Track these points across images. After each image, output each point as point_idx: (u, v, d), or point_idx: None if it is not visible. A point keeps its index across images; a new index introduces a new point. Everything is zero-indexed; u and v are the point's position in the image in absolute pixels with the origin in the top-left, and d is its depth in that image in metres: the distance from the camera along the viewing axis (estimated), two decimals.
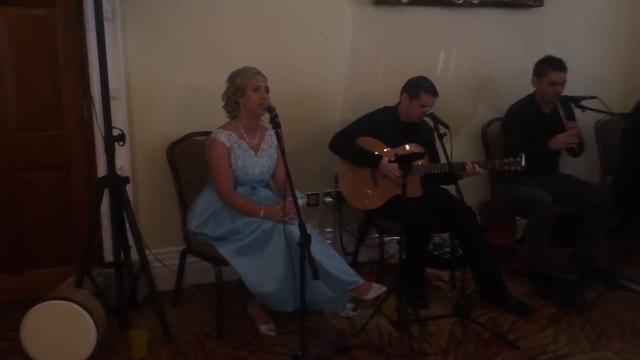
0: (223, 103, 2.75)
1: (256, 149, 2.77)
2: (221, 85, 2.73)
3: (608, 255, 3.23)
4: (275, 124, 2.38)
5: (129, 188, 2.71)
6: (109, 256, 2.99)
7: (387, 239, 3.27)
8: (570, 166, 3.56)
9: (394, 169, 2.93)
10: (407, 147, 3.09)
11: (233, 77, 2.68)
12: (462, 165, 2.91)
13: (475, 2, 3.50)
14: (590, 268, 3.22)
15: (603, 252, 3.28)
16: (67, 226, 3.02)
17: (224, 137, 2.68)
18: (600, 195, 3.25)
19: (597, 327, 2.83)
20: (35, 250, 2.98)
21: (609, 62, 4.03)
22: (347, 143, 3.07)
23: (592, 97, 3.17)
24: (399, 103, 3.14)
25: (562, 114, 3.25)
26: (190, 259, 2.94)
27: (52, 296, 2.41)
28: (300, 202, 2.52)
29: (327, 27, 3.28)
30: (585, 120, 3.51)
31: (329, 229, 3.54)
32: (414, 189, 3.01)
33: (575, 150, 3.36)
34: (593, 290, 3.09)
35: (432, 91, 3.00)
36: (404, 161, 2.70)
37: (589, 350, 2.64)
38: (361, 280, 2.63)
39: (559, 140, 3.17)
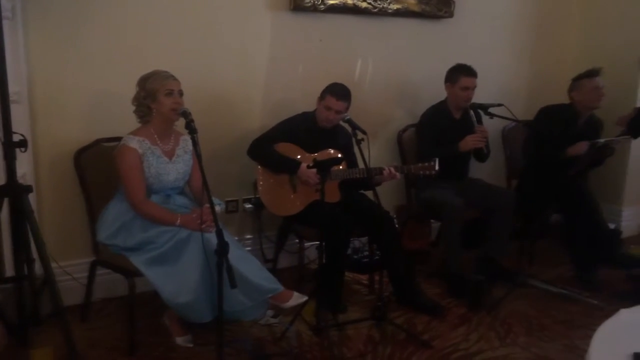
0: (134, 108, 2.65)
1: (170, 154, 2.69)
2: (133, 89, 2.62)
3: (514, 255, 3.41)
4: (191, 129, 2.31)
5: (32, 197, 2.52)
6: (10, 271, 2.78)
7: (306, 244, 3.28)
8: (479, 170, 3.74)
9: (313, 175, 2.94)
10: (332, 152, 3.12)
11: (143, 81, 2.58)
12: (380, 170, 2.98)
13: (390, 11, 3.60)
14: (497, 268, 3.37)
15: (509, 253, 3.47)
16: None
17: (135, 143, 2.57)
18: (505, 198, 3.42)
19: (505, 324, 2.97)
20: None
21: (514, 72, 4.26)
22: (265, 149, 3.04)
23: (499, 105, 3.33)
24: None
25: (473, 119, 3.40)
26: (100, 270, 2.79)
27: None
28: (218, 208, 2.48)
29: (244, 32, 3.24)
30: (492, 126, 3.69)
31: (248, 236, 3.50)
32: (333, 195, 3.04)
33: (484, 151, 3.52)
34: (500, 289, 3.25)
35: (337, 94, 3.00)
36: (322, 167, 2.71)
37: (499, 346, 2.77)
38: (281, 288, 2.62)
39: (467, 142, 3.31)
